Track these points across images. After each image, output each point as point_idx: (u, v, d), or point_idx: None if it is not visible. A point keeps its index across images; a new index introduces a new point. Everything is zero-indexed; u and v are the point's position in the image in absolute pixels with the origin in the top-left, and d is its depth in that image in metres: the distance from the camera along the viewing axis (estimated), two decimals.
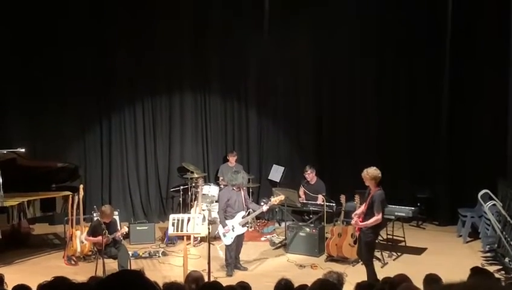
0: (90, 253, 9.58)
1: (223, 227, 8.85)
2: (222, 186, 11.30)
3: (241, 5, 12.19)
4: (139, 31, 11.78)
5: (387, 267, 8.94)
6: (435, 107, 11.76)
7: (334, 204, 10.35)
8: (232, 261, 8.97)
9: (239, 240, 9.05)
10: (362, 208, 8.05)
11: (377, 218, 7.77)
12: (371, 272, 7.96)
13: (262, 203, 9.87)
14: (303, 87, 12.59)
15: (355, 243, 9.34)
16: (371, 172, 7.81)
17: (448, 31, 11.25)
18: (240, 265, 9.16)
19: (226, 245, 8.92)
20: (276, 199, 9.31)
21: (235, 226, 8.85)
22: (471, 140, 11.40)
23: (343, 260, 9.35)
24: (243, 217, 8.96)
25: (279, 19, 12.07)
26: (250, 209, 9.27)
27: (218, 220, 9.17)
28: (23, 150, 9.62)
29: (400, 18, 11.85)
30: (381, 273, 8.06)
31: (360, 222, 7.95)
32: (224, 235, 8.84)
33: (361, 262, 8.41)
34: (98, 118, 11.99)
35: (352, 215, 8.26)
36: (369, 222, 7.83)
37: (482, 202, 9.68)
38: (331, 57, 12.36)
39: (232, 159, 11.97)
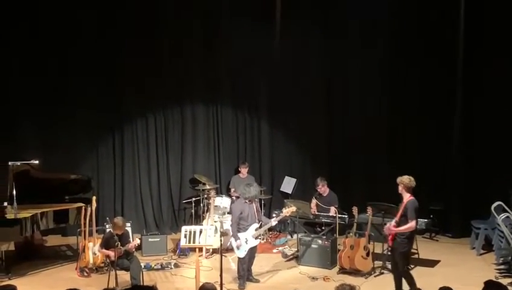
0: (102, 265, 9.59)
1: (235, 240, 8.82)
2: (234, 198, 11.31)
3: (252, 16, 12.19)
4: (151, 44, 11.82)
5: None
6: (449, 119, 11.69)
7: (346, 216, 10.31)
8: (245, 273, 8.92)
9: (252, 252, 9.01)
10: (395, 219, 8.04)
11: (410, 225, 7.79)
12: (409, 279, 7.98)
13: (274, 215, 9.82)
14: (314, 98, 12.58)
15: (367, 255, 9.31)
16: (404, 181, 7.91)
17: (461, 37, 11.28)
18: (252, 277, 9.12)
19: (239, 258, 8.88)
20: (287, 211, 9.29)
21: (248, 238, 8.82)
22: (485, 152, 11.33)
23: (355, 272, 9.29)
24: (256, 230, 8.94)
25: (291, 31, 12.11)
26: (262, 222, 9.26)
27: (231, 232, 9.15)
28: (36, 162, 9.68)
29: (412, 20, 11.89)
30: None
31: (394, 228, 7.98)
32: (238, 248, 8.82)
33: (392, 274, 8.33)
34: (110, 130, 12.05)
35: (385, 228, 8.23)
36: (402, 228, 7.84)
37: (495, 214, 9.60)
38: (342, 66, 12.38)
39: (244, 170, 11.98)
